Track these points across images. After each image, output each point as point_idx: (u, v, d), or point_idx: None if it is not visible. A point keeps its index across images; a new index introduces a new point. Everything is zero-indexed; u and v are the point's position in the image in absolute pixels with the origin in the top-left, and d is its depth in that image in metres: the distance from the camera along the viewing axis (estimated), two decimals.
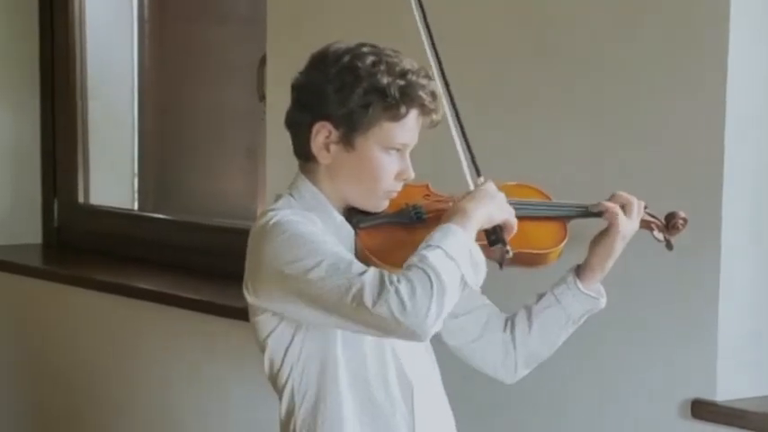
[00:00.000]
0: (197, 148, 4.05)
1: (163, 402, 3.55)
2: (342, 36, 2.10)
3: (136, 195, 4.24)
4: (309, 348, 2.06)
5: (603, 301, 2.22)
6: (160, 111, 4.19)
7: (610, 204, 2.15)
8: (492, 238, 1.99)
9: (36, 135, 4.22)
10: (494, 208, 1.99)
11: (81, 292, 3.73)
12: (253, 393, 3.16)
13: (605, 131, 2.53)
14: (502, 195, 2.02)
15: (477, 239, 1.97)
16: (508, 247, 1.99)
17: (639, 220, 2.17)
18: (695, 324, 2.39)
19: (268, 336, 2.09)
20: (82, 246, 4.16)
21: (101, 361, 3.73)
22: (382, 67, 2.02)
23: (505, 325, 2.25)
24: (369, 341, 2.05)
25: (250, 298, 2.07)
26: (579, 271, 2.21)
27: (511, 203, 2.14)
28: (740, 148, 2.36)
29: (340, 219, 2.09)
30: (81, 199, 4.22)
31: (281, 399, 2.11)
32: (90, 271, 3.82)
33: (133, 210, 4.23)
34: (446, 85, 2.07)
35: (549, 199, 2.23)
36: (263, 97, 3.40)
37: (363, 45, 2.06)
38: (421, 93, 2.03)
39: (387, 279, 1.86)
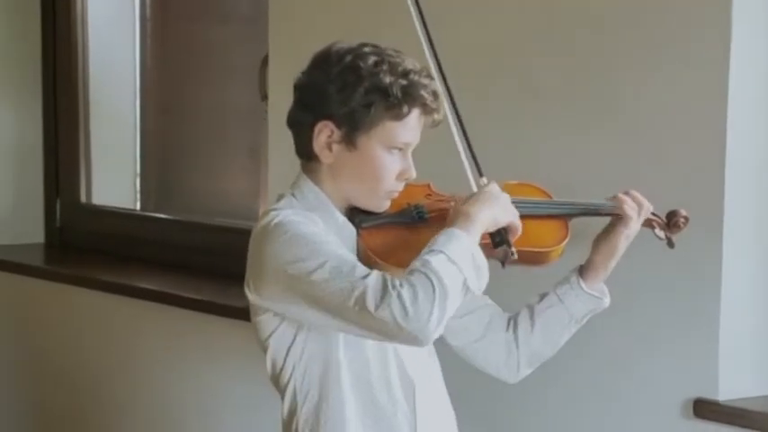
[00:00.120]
0: (199, 147, 4.05)
1: (165, 402, 3.55)
2: (344, 36, 2.10)
3: (138, 195, 4.24)
4: (311, 348, 2.06)
5: (607, 301, 2.22)
6: (162, 110, 4.18)
7: (627, 198, 2.15)
8: (496, 239, 1.99)
9: (38, 135, 4.23)
10: (498, 210, 1.99)
11: (83, 291, 3.73)
12: (254, 393, 3.16)
13: (607, 130, 2.53)
14: (506, 197, 2.02)
15: (481, 240, 1.97)
16: (513, 249, 1.99)
17: (644, 219, 2.18)
18: (697, 323, 2.39)
19: (270, 336, 2.09)
20: (84, 245, 4.16)
21: (103, 360, 3.73)
22: (384, 67, 2.02)
23: (508, 324, 2.25)
24: (371, 341, 2.05)
25: (252, 297, 2.07)
26: (582, 270, 2.21)
27: (512, 202, 2.15)
28: (742, 145, 2.36)
29: (342, 219, 2.09)
30: (83, 199, 4.22)
31: (283, 398, 2.11)
32: (92, 271, 3.82)
33: (135, 209, 4.23)
34: (446, 85, 2.07)
35: (551, 197, 2.23)
36: (265, 97, 3.40)
37: (365, 45, 2.06)
38: (423, 92, 2.03)
39: (389, 283, 1.86)
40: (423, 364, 2.14)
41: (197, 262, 3.69)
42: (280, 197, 2.13)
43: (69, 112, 4.17)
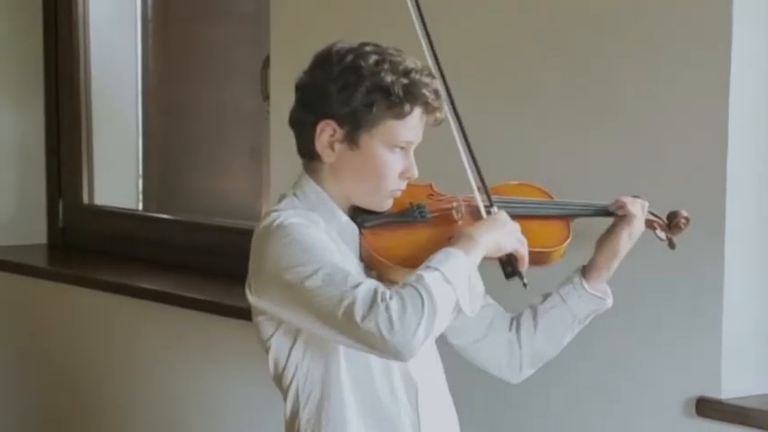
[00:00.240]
0: (201, 148, 4.05)
1: (166, 402, 3.55)
2: (344, 36, 2.11)
3: (140, 196, 4.25)
4: (313, 349, 2.06)
5: (610, 302, 2.22)
6: (164, 111, 4.19)
7: (629, 198, 2.16)
8: (507, 270, 2.00)
9: (40, 136, 4.23)
10: (502, 235, 1.99)
11: (86, 292, 3.73)
12: (256, 393, 3.16)
13: (607, 130, 2.53)
14: (514, 226, 2.02)
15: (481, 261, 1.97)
16: (525, 281, 2.00)
17: (644, 219, 2.18)
18: (699, 323, 2.40)
19: (271, 336, 2.09)
20: (87, 246, 4.16)
21: (105, 360, 3.74)
22: (385, 66, 2.02)
23: (511, 325, 2.25)
24: None
25: (252, 299, 2.08)
26: (585, 271, 2.21)
27: (514, 202, 2.16)
28: (743, 145, 2.37)
29: (345, 218, 2.09)
30: (86, 199, 4.22)
31: (285, 399, 2.11)
32: (95, 271, 3.82)
33: (137, 210, 4.23)
34: (446, 85, 2.07)
35: (552, 198, 2.24)
36: (266, 97, 3.40)
37: (366, 44, 2.07)
38: (424, 91, 2.03)
39: (379, 295, 1.86)
40: (426, 365, 2.14)
41: (199, 262, 3.69)
42: (281, 197, 2.13)
43: (71, 113, 4.18)
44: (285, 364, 2.09)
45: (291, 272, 1.94)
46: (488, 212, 2.07)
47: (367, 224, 2.09)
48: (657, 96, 2.44)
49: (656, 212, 2.22)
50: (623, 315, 2.38)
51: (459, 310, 1.91)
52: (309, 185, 2.10)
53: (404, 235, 2.09)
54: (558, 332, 2.23)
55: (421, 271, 1.90)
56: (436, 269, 1.89)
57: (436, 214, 2.13)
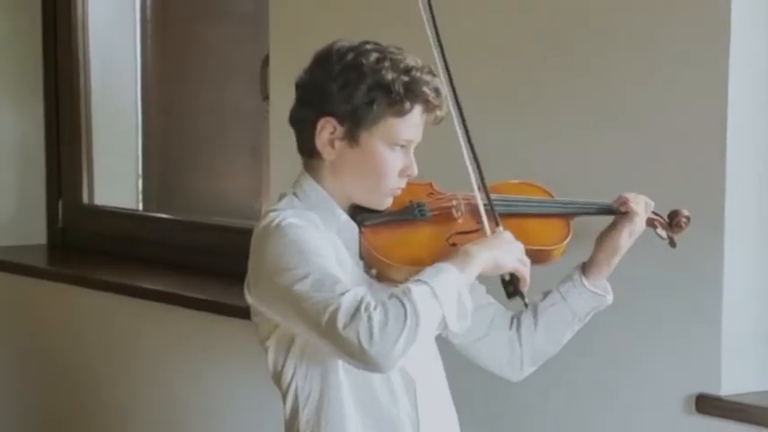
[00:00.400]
0: (200, 147, 4.05)
1: (167, 402, 3.56)
2: (344, 35, 2.11)
3: (140, 195, 4.25)
4: (312, 350, 2.05)
5: (610, 298, 2.22)
6: (163, 111, 4.19)
7: (630, 195, 2.17)
8: (509, 290, 2.00)
9: (40, 136, 4.23)
10: (501, 254, 1.98)
11: (85, 292, 3.74)
12: (257, 393, 3.16)
13: (607, 130, 2.54)
14: (517, 246, 2.01)
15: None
16: (527, 301, 2.00)
17: (646, 218, 2.18)
18: (699, 320, 2.40)
19: (270, 336, 2.09)
20: (86, 246, 4.16)
21: (105, 361, 3.74)
22: (386, 64, 2.02)
23: (511, 323, 2.25)
24: None
25: (250, 299, 2.08)
26: (585, 268, 2.21)
27: (513, 201, 2.16)
28: (743, 144, 2.37)
29: (344, 217, 2.09)
30: (85, 199, 4.22)
31: (284, 399, 2.11)
32: (94, 271, 3.82)
33: (137, 210, 4.24)
34: (452, 87, 2.07)
35: (552, 197, 2.24)
36: (266, 97, 3.40)
37: (367, 43, 2.07)
38: (425, 89, 2.03)
39: (363, 305, 1.85)
40: (424, 364, 2.14)
41: (199, 262, 3.69)
42: (281, 196, 2.13)
43: (71, 113, 4.18)
44: (284, 365, 2.09)
45: (284, 274, 1.94)
46: (487, 211, 2.06)
47: (367, 222, 2.09)
48: (657, 96, 2.45)
49: (657, 211, 2.23)
50: (623, 312, 2.38)
51: (445, 326, 1.91)
52: (309, 184, 2.10)
53: (403, 233, 2.10)
54: (559, 330, 2.23)
55: (410, 284, 1.89)
56: (425, 283, 1.89)
57: (436, 213, 2.13)
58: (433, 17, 2.08)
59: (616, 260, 2.19)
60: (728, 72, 2.33)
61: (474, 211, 2.09)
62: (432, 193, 2.18)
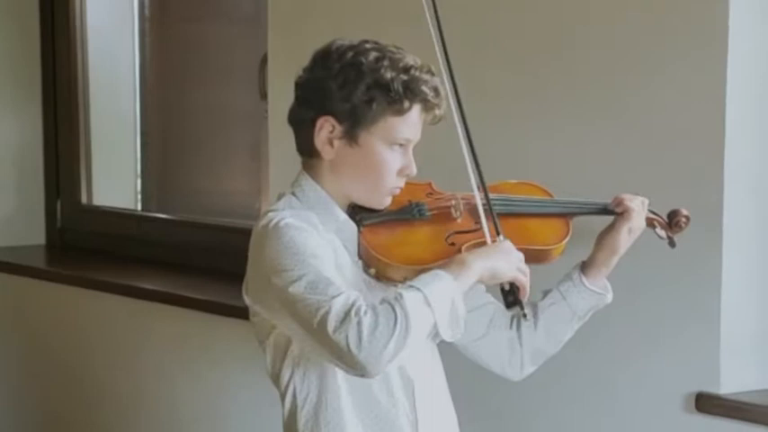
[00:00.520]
0: (199, 147, 4.05)
1: (167, 402, 3.55)
2: (343, 35, 2.11)
3: (138, 195, 4.25)
4: (309, 351, 2.05)
5: (609, 297, 2.22)
6: (162, 111, 4.19)
7: (626, 194, 2.17)
8: (509, 300, 1.99)
9: (38, 136, 4.23)
10: (499, 263, 1.98)
11: (85, 292, 3.73)
12: (258, 393, 3.16)
13: (606, 129, 2.54)
14: (517, 255, 2.01)
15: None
16: (526, 311, 2.00)
17: (645, 216, 2.18)
18: (698, 318, 2.40)
19: (267, 337, 2.09)
20: (85, 246, 4.16)
21: (104, 361, 3.74)
22: (385, 63, 2.02)
23: (511, 322, 2.25)
24: None
25: (247, 299, 2.08)
26: (584, 267, 2.21)
27: (513, 200, 2.15)
28: (741, 144, 2.37)
29: (343, 216, 2.09)
30: (84, 200, 4.22)
31: (283, 399, 2.11)
32: (94, 272, 3.82)
33: (136, 210, 4.24)
34: (454, 87, 2.06)
35: (552, 196, 2.24)
36: (264, 96, 3.40)
37: (366, 42, 2.07)
38: (424, 87, 2.03)
39: (353, 309, 1.85)
40: (423, 363, 2.13)
41: (198, 262, 3.69)
42: (279, 196, 2.13)
43: (69, 112, 4.18)
44: (281, 365, 2.09)
45: (279, 275, 1.94)
46: (488, 219, 2.06)
47: (366, 222, 2.09)
48: (655, 95, 2.45)
49: (656, 211, 2.23)
50: (623, 311, 2.38)
51: (436, 333, 1.90)
52: (308, 183, 2.10)
53: (402, 233, 2.10)
54: (559, 328, 2.23)
55: (403, 290, 1.89)
56: (419, 290, 1.88)
57: (435, 212, 2.13)
58: (437, 16, 2.08)
59: (615, 260, 2.19)
60: (726, 72, 2.33)
61: (473, 210, 2.09)
62: (431, 193, 2.18)
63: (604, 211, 2.21)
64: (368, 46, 2.05)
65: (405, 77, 2.02)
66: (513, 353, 2.25)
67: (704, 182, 2.37)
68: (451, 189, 2.17)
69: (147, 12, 4.16)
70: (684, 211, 2.22)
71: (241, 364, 3.27)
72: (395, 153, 2.06)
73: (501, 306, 2.24)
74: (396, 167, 2.07)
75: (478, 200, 2.06)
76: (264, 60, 3.37)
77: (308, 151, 2.09)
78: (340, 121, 2.03)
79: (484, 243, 2.02)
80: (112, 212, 4.17)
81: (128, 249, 3.98)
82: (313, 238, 1.99)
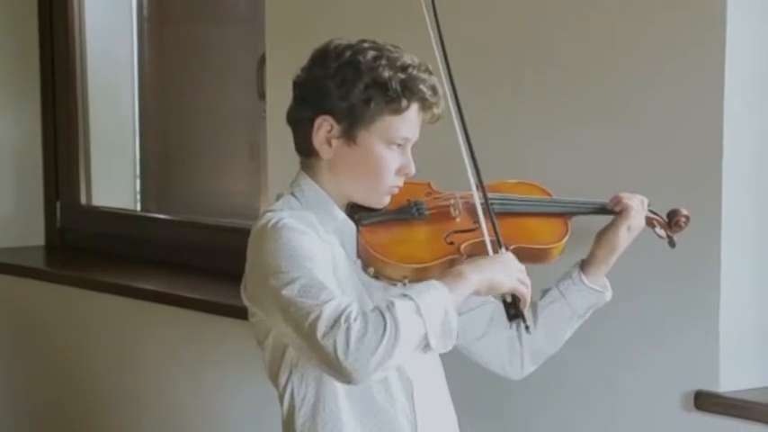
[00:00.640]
0: (198, 147, 4.05)
1: (168, 402, 3.56)
2: (340, 35, 2.11)
3: (138, 196, 4.25)
4: (300, 355, 2.04)
5: (609, 295, 2.23)
6: (161, 111, 4.19)
7: (625, 194, 2.18)
8: (511, 312, 1.99)
9: (37, 137, 4.23)
10: (497, 275, 1.97)
11: (84, 293, 3.73)
12: (258, 392, 3.16)
13: (605, 129, 2.54)
14: (517, 266, 2.00)
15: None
16: (528, 323, 1.99)
17: (644, 215, 2.19)
18: (697, 316, 2.40)
19: (266, 337, 2.09)
20: (85, 247, 4.16)
21: (104, 361, 3.74)
22: (383, 62, 2.02)
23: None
24: None
25: (245, 300, 2.09)
26: (584, 265, 2.22)
27: (511, 200, 2.16)
28: (739, 142, 2.37)
29: (342, 216, 2.09)
30: (83, 200, 4.22)
31: (281, 399, 2.11)
32: (93, 272, 3.82)
33: (136, 210, 4.24)
34: (452, 85, 2.06)
35: (551, 196, 2.24)
36: (263, 96, 3.40)
37: (364, 41, 2.07)
38: (422, 86, 2.03)
39: (343, 315, 1.85)
40: (422, 363, 2.13)
41: (198, 262, 3.69)
42: (278, 196, 2.14)
43: (68, 113, 4.18)
44: (280, 366, 2.09)
45: (274, 277, 1.94)
46: (485, 212, 2.06)
47: (365, 221, 2.09)
48: (654, 95, 2.44)
49: (655, 210, 2.23)
50: (622, 310, 2.39)
51: (426, 344, 1.89)
52: (307, 183, 2.10)
53: (401, 232, 2.10)
54: (559, 327, 2.23)
55: (395, 298, 1.88)
56: (411, 299, 1.88)
57: (433, 211, 2.13)
58: (435, 16, 2.08)
59: (614, 258, 2.19)
60: (724, 70, 2.33)
61: (472, 210, 2.09)
62: (429, 193, 2.18)
63: (603, 210, 2.21)
64: (366, 45, 2.05)
65: (402, 76, 2.02)
66: (513, 352, 2.25)
67: (703, 181, 2.37)
68: (450, 189, 2.17)
69: (145, 12, 4.16)
70: (684, 211, 2.22)
71: (240, 364, 3.27)
72: (393, 152, 2.06)
73: (501, 305, 2.25)
74: (394, 166, 2.07)
75: (477, 199, 2.06)
76: (262, 60, 3.37)
77: (306, 151, 2.10)
78: (338, 120, 2.03)
79: (482, 242, 2.02)
80: (111, 213, 4.17)
81: (127, 250, 3.98)
82: (310, 241, 1.99)
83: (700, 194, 2.36)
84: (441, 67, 2.07)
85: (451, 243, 2.07)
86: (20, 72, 4.20)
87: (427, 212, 2.13)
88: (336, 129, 2.04)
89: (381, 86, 2.01)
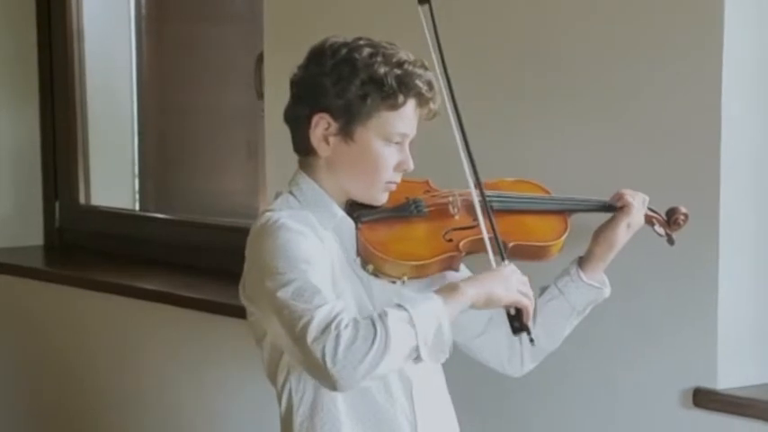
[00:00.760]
0: (197, 147, 4.05)
1: (168, 402, 3.56)
2: (338, 33, 2.11)
3: (137, 195, 4.25)
4: (290, 358, 2.04)
5: (607, 291, 2.23)
6: (160, 110, 4.19)
7: (625, 190, 2.18)
8: (515, 325, 1.98)
9: (36, 137, 4.23)
10: (496, 288, 1.97)
11: (83, 293, 3.73)
12: (259, 392, 3.15)
13: (604, 128, 2.54)
14: (518, 278, 2.00)
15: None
16: (532, 336, 1.99)
17: (644, 212, 2.19)
18: (695, 313, 2.40)
19: (265, 336, 2.09)
20: (84, 247, 4.16)
21: (104, 362, 3.74)
22: (379, 59, 2.03)
23: None
24: None
25: (244, 299, 2.09)
26: (582, 262, 2.22)
27: (510, 197, 2.16)
28: (738, 142, 2.37)
29: (341, 213, 2.09)
30: (82, 200, 4.22)
31: (280, 399, 2.12)
32: (92, 272, 3.82)
33: (134, 210, 4.24)
34: (448, 84, 2.06)
35: (549, 194, 2.24)
36: (261, 95, 3.40)
37: (360, 39, 2.07)
38: (418, 82, 2.04)
39: (334, 321, 1.84)
40: (422, 363, 2.12)
41: (197, 261, 3.69)
42: (277, 195, 2.14)
43: (66, 113, 4.18)
44: (278, 365, 2.09)
45: (270, 278, 1.94)
46: (484, 209, 2.06)
47: (363, 219, 2.09)
48: (653, 94, 2.45)
49: (655, 209, 2.23)
50: (621, 308, 2.39)
51: (417, 355, 1.89)
52: (305, 181, 2.10)
53: (400, 229, 2.10)
54: (558, 324, 2.23)
55: (389, 307, 1.88)
56: (405, 310, 1.88)
57: (432, 209, 2.13)
58: (432, 16, 2.08)
59: (612, 255, 2.20)
60: (722, 71, 2.33)
61: (471, 207, 2.09)
62: (428, 190, 2.19)
63: (603, 207, 2.21)
64: (361, 42, 2.05)
65: (398, 72, 2.02)
66: (512, 350, 2.25)
67: (701, 182, 2.37)
68: (449, 186, 2.17)
69: (143, 11, 4.16)
70: (683, 209, 2.23)
71: (240, 364, 3.26)
72: (391, 148, 2.06)
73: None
74: (392, 162, 2.07)
75: (475, 196, 2.07)
76: (260, 59, 3.37)
77: (304, 149, 2.10)
78: (335, 117, 2.04)
79: (481, 239, 2.03)
80: (110, 212, 4.17)
81: (126, 249, 3.98)
82: (308, 242, 1.98)
83: (698, 195, 2.36)
84: (436, 65, 2.07)
85: (450, 240, 2.08)
86: (19, 72, 4.20)
87: (426, 210, 2.13)
88: (334, 126, 2.04)
89: (377, 83, 2.01)
